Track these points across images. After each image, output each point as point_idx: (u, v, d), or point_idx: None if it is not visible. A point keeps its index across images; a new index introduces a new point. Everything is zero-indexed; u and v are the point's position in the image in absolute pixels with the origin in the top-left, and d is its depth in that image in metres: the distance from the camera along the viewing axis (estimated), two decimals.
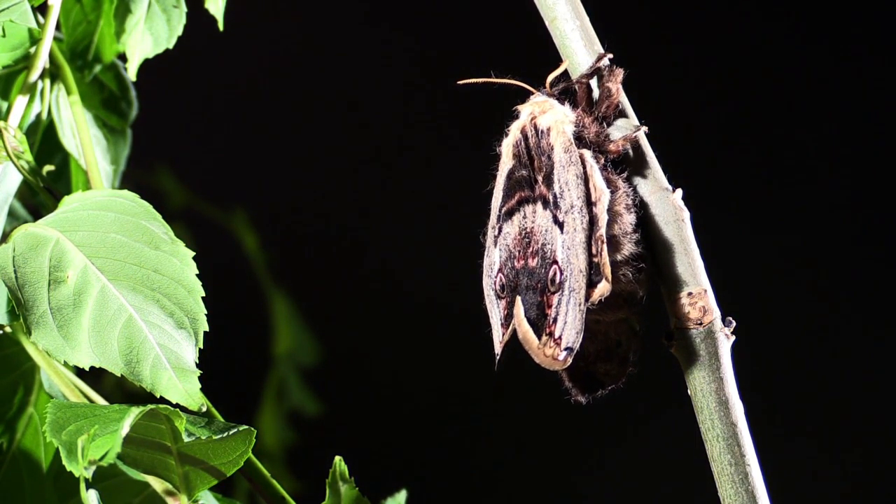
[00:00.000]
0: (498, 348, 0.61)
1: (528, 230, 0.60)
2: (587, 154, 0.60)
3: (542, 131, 0.60)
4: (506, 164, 0.61)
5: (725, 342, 0.60)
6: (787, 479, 1.34)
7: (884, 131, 1.38)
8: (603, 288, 0.58)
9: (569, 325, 0.58)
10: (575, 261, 0.59)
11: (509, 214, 0.61)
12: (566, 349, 0.58)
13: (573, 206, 0.59)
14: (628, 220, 0.59)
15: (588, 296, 0.58)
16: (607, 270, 0.58)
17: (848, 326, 1.38)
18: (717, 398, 0.59)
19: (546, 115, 0.60)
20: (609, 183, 0.59)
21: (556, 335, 0.58)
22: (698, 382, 0.60)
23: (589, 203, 0.59)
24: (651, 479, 1.41)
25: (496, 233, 0.61)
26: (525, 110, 0.61)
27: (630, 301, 0.61)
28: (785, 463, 1.34)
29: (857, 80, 1.38)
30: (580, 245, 0.59)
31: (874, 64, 1.38)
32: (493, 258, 0.61)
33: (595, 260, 0.59)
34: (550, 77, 0.61)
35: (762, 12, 1.39)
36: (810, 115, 1.39)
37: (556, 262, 0.59)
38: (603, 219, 0.59)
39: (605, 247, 0.58)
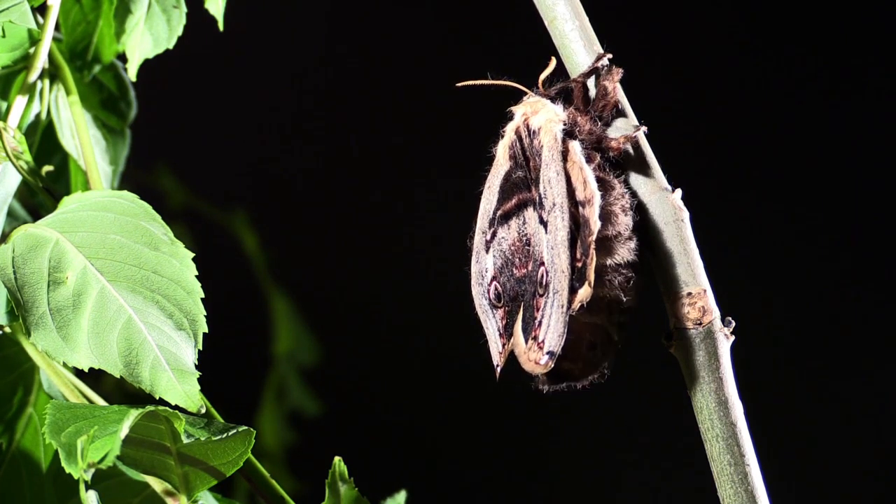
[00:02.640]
0: (498, 359, 0.59)
1: (529, 235, 0.59)
2: (577, 148, 0.59)
3: (533, 131, 0.60)
4: (502, 166, 0.60)
5: (725, 342, 0.60)
6: (787, 479, 1.34)
7: (884, 131, 1.38)
8: (584, 293, 0.57)
9: (552, 328, 0.57)
10: (557, 261, 0.58)
11: (506, 218, 0.60)
12: (548, 353, 0.57)
13: (555, 205, 0.58)
14: (624, 221, 0.59)
15: (570, 300, 0.57)
16: (591, 275, 0.57)
17: (848, 326, 1.38)
18: (717, 398, 0.59)
19: (538, 115, 0.60)
20: (605, 183, 0.59)
21: (540, 339, 0.57)
22: (697, 382, 0.60)
23: (574, 202, 0.58)
24: (651, 479, 1.41)
25: (488, 237, 0.60)
26: (518, 111, 0.60)
27: (611, 307, 0.59)
28: (785, 463, 1.34)
29: (858, 80, 1.38)
30: (562, 244, 0.58)
31: (874, 63, 1.38)
32: (485, 264, 0.60)
33: (578, 264, 0.58)
34: (542, 76, 0.61)
35: (762, 12, 1.39)
36: (810, 114, 1.39)
37: (542, 263, 0.58)
38: (594, 222, 0.58)
39: (593, 251, 0.57)
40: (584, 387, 0.61)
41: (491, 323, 0.60)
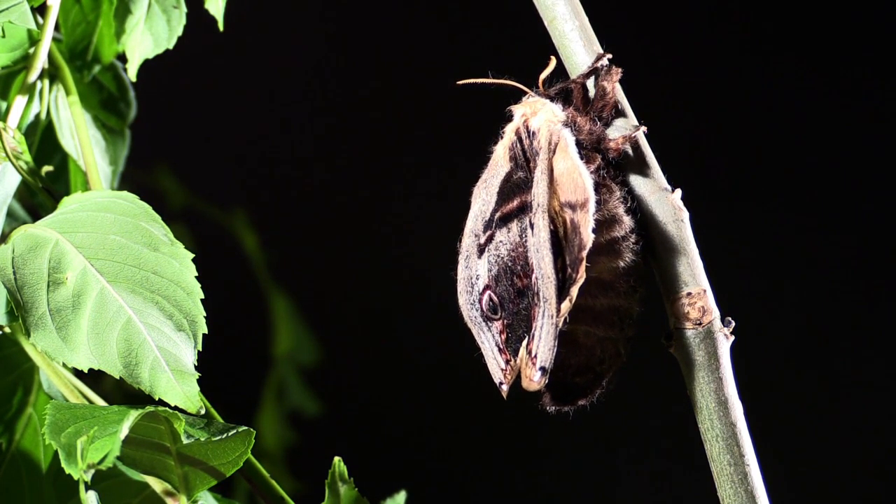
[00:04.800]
0: (500, 376, 0.57)
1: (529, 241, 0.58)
2: (569, 139, 0.57)
3: (533, 132, 0.58)
4: (502, 167, 0.59)
5: (725, 342, 0.60)
6: (787, 479, 1.34)
7: (884, 131, 1.38)
8: (563, 307, 0.55)
9: (542, 340, 0.55)
10: (543, 265, 0.56)
11: (505, 220, 0.58)
12: (540, 369, 0.56)
13: (539, 205, 0.56)
14: (628, 223, 0.58)
15: (558, 310, 0.55)
16: (573, 291, 0.55)
17: (848, 326, 1.38)
18: (717, 398, 0.59)
19: (537, 115, 0.59)
20: (605, 188, 0.58)
21: (533, 353, 0.56)
22: (697, 382, 0.60)
23: (561, 203, 0.57)
24: (651, 479, 1.41)
25: (482, 241, 0.58)
26: (518, 111, 0.59)
27: (623, 319, 0.58)
28: (785, 463, 1.34)
29: (858, 80, 1.38)
30: (544, 246, 0.56)
31: (874, 63, 1.38)
32: (477, 271, 0.58)
33: (566, 276, 0.55)
34: (542, 76, 0.60)
35: (762, 12, 1.39)
36: (810, 115, 1.39)
37: (534, 269, 0.56)
38: (587, 235, 0.55)
39: (583, 269, 0.55)
40: (590, 404, 0.60)
41: (486, 337, 0.57)
